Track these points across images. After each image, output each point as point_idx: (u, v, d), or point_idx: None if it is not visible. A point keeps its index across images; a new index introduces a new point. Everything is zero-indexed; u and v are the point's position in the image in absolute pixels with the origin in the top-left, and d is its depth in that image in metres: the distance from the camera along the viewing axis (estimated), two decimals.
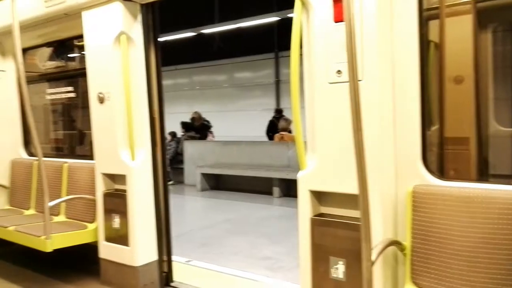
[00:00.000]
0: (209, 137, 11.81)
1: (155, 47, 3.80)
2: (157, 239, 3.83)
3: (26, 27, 4.11)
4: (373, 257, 1.95)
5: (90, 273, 4.08)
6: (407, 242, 2.42)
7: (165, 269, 3.90)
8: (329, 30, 2.53)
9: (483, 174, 2.90)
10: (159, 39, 3.86)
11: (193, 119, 11.88)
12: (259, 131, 12.29)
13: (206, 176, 9.82)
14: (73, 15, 3.89)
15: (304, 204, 2.71)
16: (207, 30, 15.64)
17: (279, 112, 12.17)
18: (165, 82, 4.37)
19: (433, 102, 2.72)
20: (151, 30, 3.76)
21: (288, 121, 9.83)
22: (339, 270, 2.58)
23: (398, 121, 2.51)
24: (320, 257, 2.65)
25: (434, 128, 2.75)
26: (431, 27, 2.67)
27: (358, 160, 1.90)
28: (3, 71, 4.93)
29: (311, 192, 2.70)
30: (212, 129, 12.07)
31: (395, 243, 2.42)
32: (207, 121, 12.04)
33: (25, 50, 4.54)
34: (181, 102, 19.48)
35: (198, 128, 11.66)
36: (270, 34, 16.54)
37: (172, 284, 3.91)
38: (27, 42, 4.43)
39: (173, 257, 4.01)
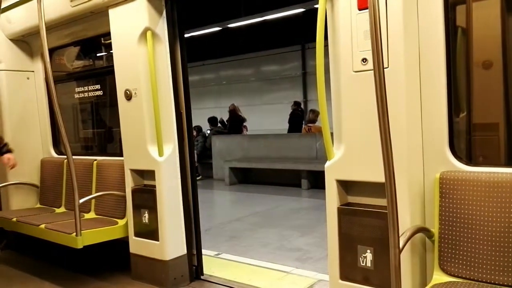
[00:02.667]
0: (244, 132, 11.88)
1: (181, 42, 3.83)
2: (186, 233, 3.88)
3: (53, 27, 4.21)
4: (401, 244, 1.93)
5: (121, 268, 4.15)
6: (435, 229, 2.39)
7: (195, 263, 3.95)
8: (354, 17, 2.51)
9: None
10: (185, 35, 3.89)
11: (231, 111, 11.95)
12: (287, 124, 12.29)
13: (234, 170, 9.88)
14: (99, 13, 3.96)
15: (332, 194, 2.70)
16: (233, 24, 15.67)
17: (297, 105, 12.35)
18: (192, 78, 4.40)
19: (460, 88, 2.67)
20: (176, 25, 3.80)
21: (316, 113, 9.78)
22: (367, 258, 2.56)
23: (425, 108, 2.48)
24: (348, 246, 2.64)
25: (462, 114, 2.70)
26: (458, 12, 2.61)
27: (384, 148, 1.88)
28: (31, 71, 5.06)
29: (338, 182, 2.69)
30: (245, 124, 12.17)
31: (423, 230, 2.39)
32: (242, 116, 12.13)
33: (52, 50, 4.68)
34: (208, 97, 19.63)
35: (234, 122, 11.72)
36: (296, 26, 16.45)
37: (202, 277, 3.96)
38: (54, 42, 4.55)
39: (203, 251, 4.07)
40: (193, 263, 3.93)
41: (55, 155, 5.09)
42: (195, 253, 3.94)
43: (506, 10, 2.74)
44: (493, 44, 2.77)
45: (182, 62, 3.83)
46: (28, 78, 5.05)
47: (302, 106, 12.49)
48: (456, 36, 2.61)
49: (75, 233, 3.64)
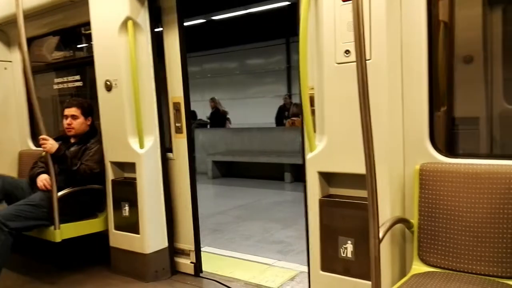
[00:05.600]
0: (227, 125, 11.84)
1: (180, 32, 3.70)
2: (167, 226, 3.84)
3: (31, 15, 4.11)
4: (380, 235, 1.95)
5: (100, 262, 4.11)
6: (414, 219, 2.41)
7: (193, 260, 3.90)
8: (337, 9, 2.50)
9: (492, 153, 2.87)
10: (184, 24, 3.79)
11: (212, 107, 11.92)
12: (271, 118, 12.29)
13: (217, 163, 9.84)
14: (79, 2, 3.88)
15: (313, 186, 2.71)
16: (217, 17, 15.56)
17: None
18: None
19: (441, 81, 2.69)
20: (176, 14, 3.68)
21: (299, 107, 9.78)
22: (347, 249, 2.58)
23: (406, 100, 2.50)
24: (329, 238, 2.65)
25: (443, 107, 2.72)
26: (441, 6, 2.62)
27: (365, 139, 1.89)
28: (9, 61, 4.95)
29: (320, 174, 2.70)
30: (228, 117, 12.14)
31: (402, 220, 2.41)
32: (224, 110, 12.09)
33: (31, 40, 4.57)
34: (193, 90, 19.48)
35: (216, 116, 11.68)
36: (280, 19, 16.42)
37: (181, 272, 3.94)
38: (33, 31, 4.45)
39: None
40: (191, 260, 3.89)
41: (33, 147, 5.00)
42: (193, 249, 3.88)
43: (487, 5, 2.77)
44: (474, 39, 2.80)
45: (181, 53, 3.72)
46: (5, 69, 4.95)
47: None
48: (438, 30, 2.63)
49: (53, 227, 3.58)
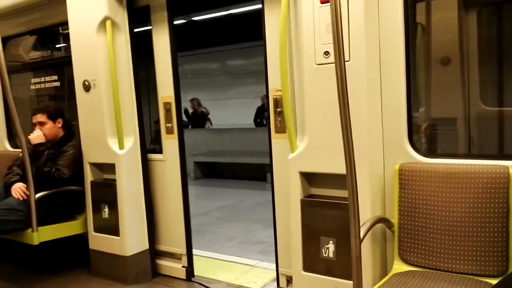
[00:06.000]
0: (207, 126, 11.77)
1: (170, 30, 3.61)
2: (148, 228, 3.80)
3: (7, 14, 4.04)
4: (361, 235, 1.96)
5: (80, 265, 4.04)
6: (394, 219, 2.44)
7: (185, 264, 3.81)
8: (316, 11, 2.52)
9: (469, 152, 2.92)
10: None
11: (193, 108, 11.83)
12: (252, 119, 12.27)
13: (199, 164, 9.80)
14: (56, 1, 3.81)
15: (294, 186, 2.71)
16: (198, 17, 15.47)
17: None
18: None
19: (419, 82, 2.73)
20: (166, 12, 3.59)
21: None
22: (329, 249, 2.59)
23: (385, 101, 2.53)
24: (311, 238, 2.66)
25: (421, 108, 2.76)
26: (418, 9, 2.66)
27: (346, 140, 1.90)
28: None
29: (301, 174, 2.70)
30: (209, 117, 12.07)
31: (383, 220, 2.44)
32: (205, 109, 12.00)
33: (7, 39, 4.47)
34: None
35: (196, 117, 11.60)
36: (261, 20, 16.39)
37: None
38: (9, 30, 4.38)
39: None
40: (182, 264, 3.81)
41: (10, 148, 4.90)
42: (185, 253, 3.79)
43: (463, 8, 2.82)
44: (451, 41, 2.84)
45: (171, 52, 3.64)
46: None
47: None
48: (415, 33, 2.66)
49: (31, 229, 3.51)
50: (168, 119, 3.73)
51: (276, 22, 2.80)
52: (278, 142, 3.10)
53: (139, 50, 3.74)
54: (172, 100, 3.70)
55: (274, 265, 3.91)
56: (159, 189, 3.86)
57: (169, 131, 3.74)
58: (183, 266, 3.80)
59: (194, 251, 4.28)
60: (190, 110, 12.08)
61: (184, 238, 3.77)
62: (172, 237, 3.84)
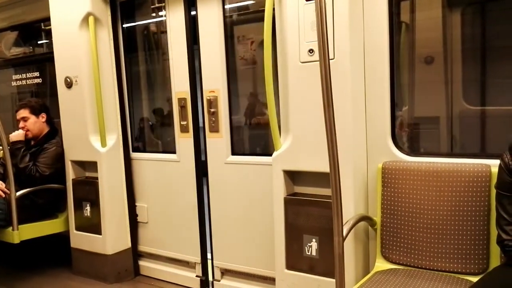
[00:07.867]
0: None
1: (187, 19, 3.34)
2: (130, 227, 3.76)
3: None
4: (344, 233, 1.95)
5: (61, 263, 3.99)
6: (377, 217, 2.44)
7: (199, 273, 3.53)
8: (301, 8, 2.51)
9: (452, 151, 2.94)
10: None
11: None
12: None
13: None
14: None
15: (278, 184, 2.70)
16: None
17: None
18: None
19: (403, 81, 2.73)
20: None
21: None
22: (312, 247, 2.58)
23: (369, 100, 2.53)
24: (294, 236, 2.65)
25: (404, 106, 2.77)
26: (402, 7, 2.66)
27: (329, 138, 1.89)
28: None
29: (285, 172, 2.69)
30: None
31: (366, 218, 2.44)
32: None
33: None
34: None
35: None
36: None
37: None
38: None
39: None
40: (197, 273, 3.52)
41: None
42: (199, 261, 3.48)
43: (447, 7, 2.83)
44: (434, 40, 2.86)
45: (187, 42, 3.35)
46: None
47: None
48: (400, 31, 2.67)
49: (11, 228, 3.45)
50: (183, 117, 3.42)
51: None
52: (212, 141, 3.22)
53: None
54: (187, 95, 3.39)
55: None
56: (173, 192, 3.60)
57: (184, 129, 3.43)
58: (197, 276, 3.53)
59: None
60: None
61: (198, 245, 3.50)
62: (186, 244, 3.56)
